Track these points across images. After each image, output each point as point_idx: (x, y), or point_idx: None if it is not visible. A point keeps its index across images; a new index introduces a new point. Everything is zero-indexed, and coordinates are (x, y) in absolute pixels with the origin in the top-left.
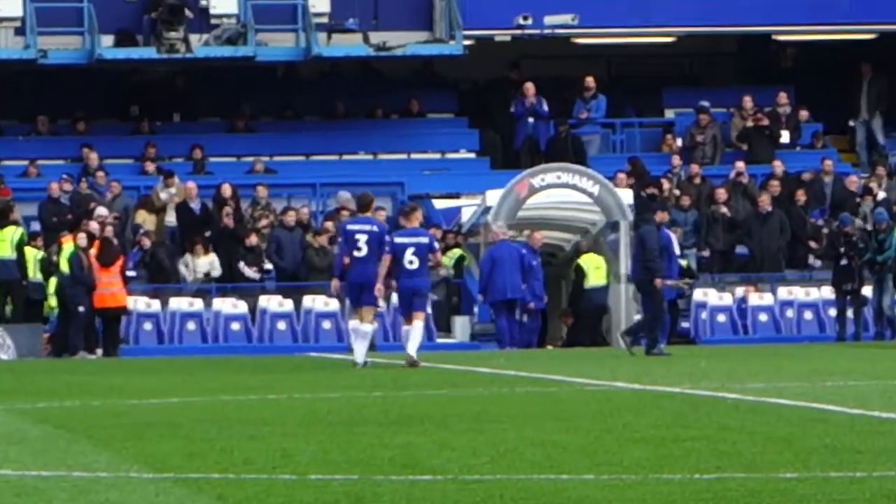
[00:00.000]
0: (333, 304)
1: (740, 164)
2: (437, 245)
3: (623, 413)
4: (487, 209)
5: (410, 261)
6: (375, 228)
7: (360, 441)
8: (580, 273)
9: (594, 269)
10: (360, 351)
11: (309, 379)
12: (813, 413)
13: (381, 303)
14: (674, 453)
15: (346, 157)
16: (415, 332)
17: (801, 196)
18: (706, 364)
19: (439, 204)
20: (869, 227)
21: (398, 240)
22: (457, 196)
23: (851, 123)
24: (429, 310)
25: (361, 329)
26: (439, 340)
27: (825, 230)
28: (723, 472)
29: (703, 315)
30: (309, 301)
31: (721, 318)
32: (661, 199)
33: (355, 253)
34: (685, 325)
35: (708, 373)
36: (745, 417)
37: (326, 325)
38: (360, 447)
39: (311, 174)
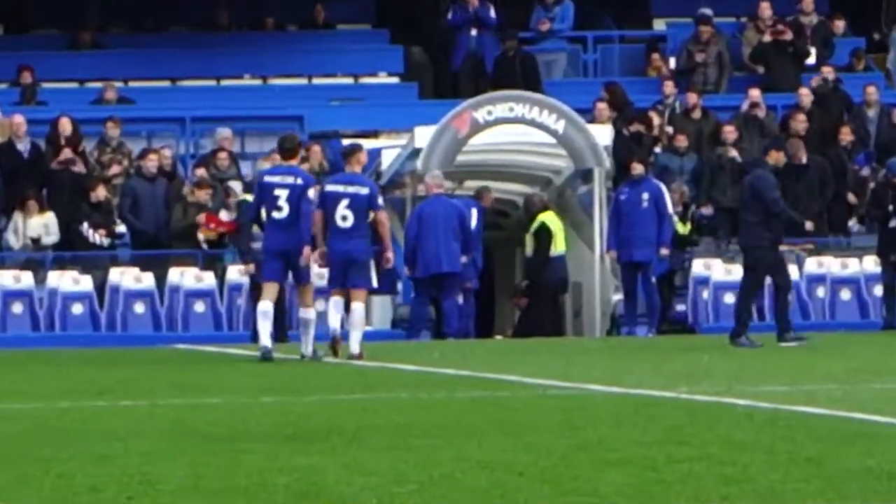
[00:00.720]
0: (208, 280)
1: (755, 93)
2: (380, 200)
3: (599, 425)
4: (416, 152)
5: (344, 216)
6: (299, 181)
7: (245, 462)
8: (546, 235)
9: (558, 231)
10: (306, 342)
11: (176, 379)
12: (851, 426)
13: (315, 276)
14: (666, 478)
15: (226, 82)
16: (355, 319)
17: (846, 135)
18: (709, 359)
19: None
20: None
21: (329, 188)
22: (375, 135)
23: (876, 36)
24: (375, 283)
25: (303, 317)
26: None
27: (871, 183)
28: None
29: (705, 294)
30: (176, 275)
31: (728, 298)
32: (650, 140)
33: (274, 214)
34: (681, 307)
35: (711, 371)
36: (760, 431)
37: (199, 306)
38: (246, 471)
39: (180, 105)
